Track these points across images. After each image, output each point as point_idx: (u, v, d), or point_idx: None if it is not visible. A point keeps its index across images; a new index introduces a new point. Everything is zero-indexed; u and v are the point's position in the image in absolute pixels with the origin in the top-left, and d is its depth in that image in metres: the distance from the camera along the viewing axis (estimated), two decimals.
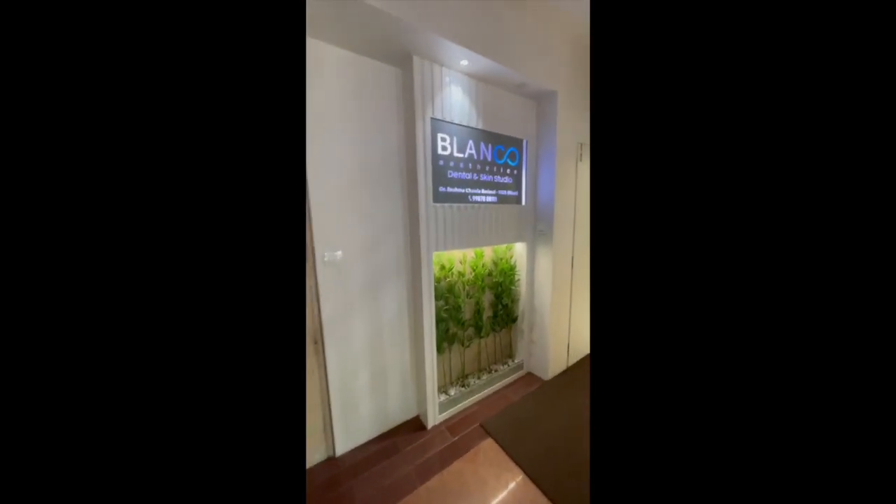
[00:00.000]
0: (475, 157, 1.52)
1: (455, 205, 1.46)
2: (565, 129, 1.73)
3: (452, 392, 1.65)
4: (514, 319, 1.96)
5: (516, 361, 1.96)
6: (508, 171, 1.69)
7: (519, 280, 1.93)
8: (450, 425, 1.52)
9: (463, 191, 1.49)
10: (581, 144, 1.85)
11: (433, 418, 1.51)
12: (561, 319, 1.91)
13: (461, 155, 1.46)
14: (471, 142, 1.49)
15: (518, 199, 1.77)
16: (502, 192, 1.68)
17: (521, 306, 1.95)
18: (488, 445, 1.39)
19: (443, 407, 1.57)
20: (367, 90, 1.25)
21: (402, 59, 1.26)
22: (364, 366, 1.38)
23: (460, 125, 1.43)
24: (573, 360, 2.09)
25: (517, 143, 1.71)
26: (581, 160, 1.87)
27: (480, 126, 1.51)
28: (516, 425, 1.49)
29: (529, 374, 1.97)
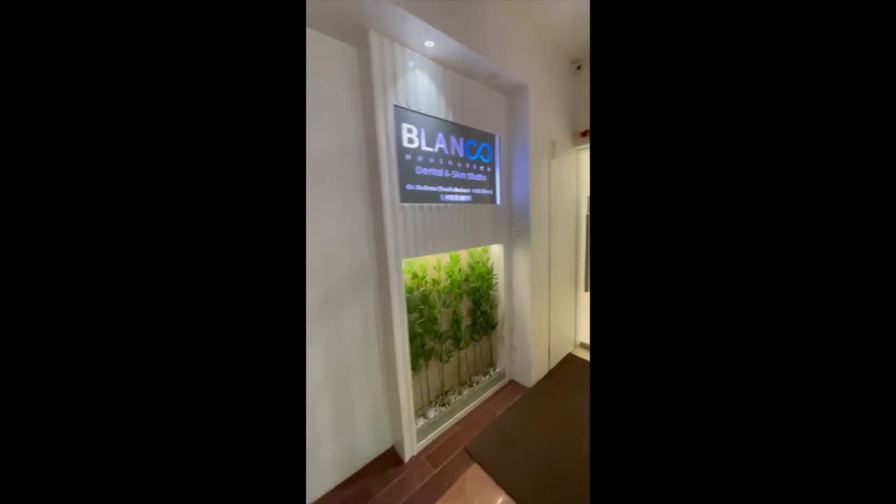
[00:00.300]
0: (446, 151, 1.37)
1: (426, 205, 1.30)
2: (538, 125, 1.66)
3: (432, 414, 1.47)
4: (494, 326, 1.85)
5: (498, 370, 1.85)
6: (482, 168, 1.58)
7: (497, 284, 1.82)
8: (430, 454, 1.35)
9: (434, 189, 1.34)
10: (553, 142, 1.81)
11: (411, 448, 1.33)
12: (541, 321, 1.84)
13: (430, 149, 1.31)
14: (440, 135, 1.34)
15: (492, 199, 1.66)
16: (477, 191, 1.56)
17: (501, 311, 1.84)
18: (474, 473, 1.24)
19: (421, 433, 1.39)
20: (316, 70, 1.04)
21: (357, 36, 1.08)
22: (324, 401, 1.15)
23: (428, 115, 1.28)
24: (554, 361, 2.03)
25: (490, 138, 1.60)
26: (554, 157, 1.82)
27: (451, 118, 1.38)
28: (503, 443, 1.37)
29: (512, 383, 1.86)
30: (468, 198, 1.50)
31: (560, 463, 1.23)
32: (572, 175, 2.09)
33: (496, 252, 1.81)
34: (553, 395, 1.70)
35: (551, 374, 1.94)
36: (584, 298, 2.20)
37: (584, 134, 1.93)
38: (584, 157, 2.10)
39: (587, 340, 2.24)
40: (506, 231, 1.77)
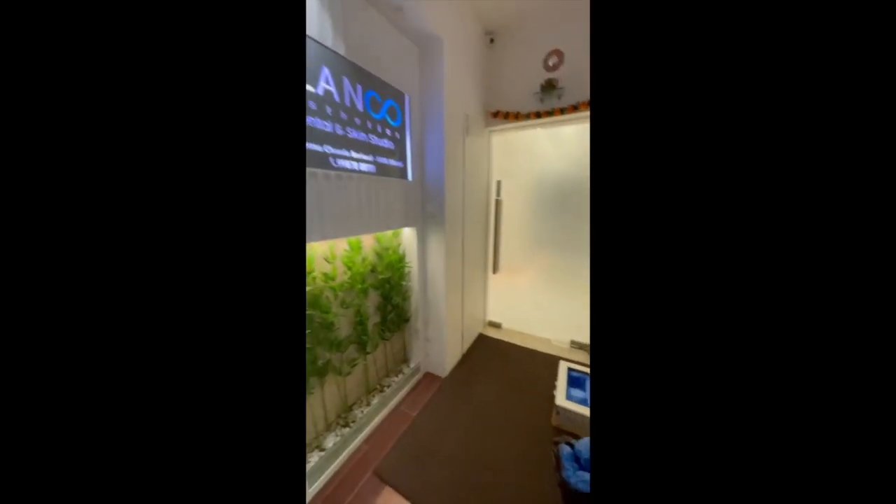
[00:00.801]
0: (336, 97, 1.00)
1: (311, 170, 0.92)
2: (453, 92, 1.47)
3: (330, 442, 1.17)
4: (407, 319, 1.65)
5: (412, 366, 1.69)
6: (388, 132, 1.27)
7: (409, 272, 1.61)
8: (330, 492, 1.07)
9: (320, 148, 0.96)
10: (467, 116, 1.66)
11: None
12: (455, 308, 1.77)
13: (311, 88, 0.91)
14: (326, 71, 0.95)
15: (403, 173, 1.40)
16: (383, 161, 1.25)
17: (415, 303, 1.66)
18: (387, 500, 1.05)
19: (317, 471, 1.08)
20: None
21: None
22: None
23: (309, 37, 0.87)
24: (467, 344, 2.04)
25: (398, 96, 1.30)
26: (468, 134, 1.69)
27: (343, 52, 0.99)
28: (419, 454, 1.22)
29: (428, 375, 1.75)
30: (371, 167, 1.18)
31: (484, 464, 1.19)
32: (484, 157, 2.04)
33: (408, 237, 1.58)
34: (468, 383, 1.68)
35: (465, 358, 1.93)
36: (493, 280, 2.28)
37: (495, 115, 1.88)
38: (496, 140, 2.08)
39: (495, 319, 2.36)
40: (419, 213, 1.55)
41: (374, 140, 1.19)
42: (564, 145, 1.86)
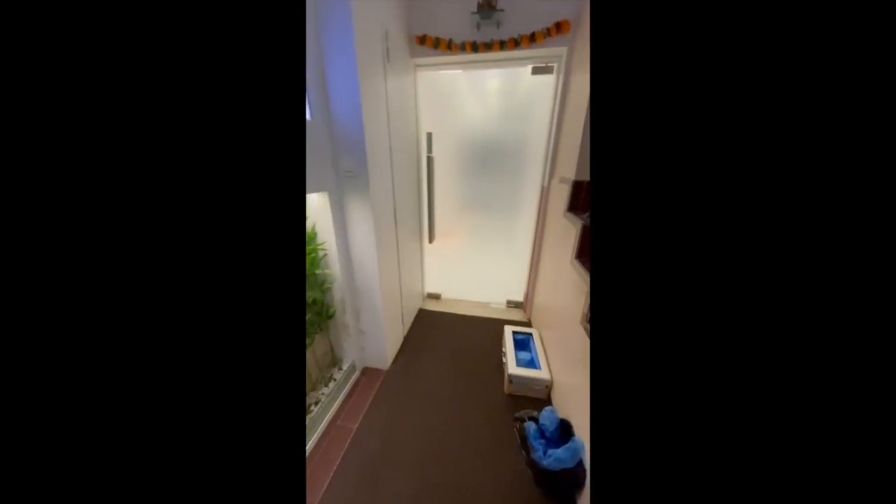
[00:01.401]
0: None
1: None
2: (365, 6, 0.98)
3: None
4: (332, 315, 1.29)
5: (346, 367, 1.39)
6: None
7: (326, 256, 1.21)
8: None
9: None
10: (387, 34, 1.20)
11: None
12: (391, 287, 1.50)
13: None
14: None
15: None
16: None
17: (338, 293, 1.29)
18: None
19: None
20: None
21: None
22: None
23: None
24: (408, 323, 1.84)
25: None
26: (389, 60, 1.24)
27: None
28: (367, 469, 1.02)
29: (367, 371, 1.50)
30: None
31: (446, 461, 1.07)
32: (411, 101, 1.62)
33: (318, 207, 1.14)
34: (414, 370, 1.52)
35: (407, 340, 1.75)
36: (429, 249, 2.06)
37: (422, 40, 1.45)
38: (423, 79, 1.66)
39: (434, 290, 2.22)
40: (330, 171, 1.11)
41: None
42: (487, 97, 1.63)
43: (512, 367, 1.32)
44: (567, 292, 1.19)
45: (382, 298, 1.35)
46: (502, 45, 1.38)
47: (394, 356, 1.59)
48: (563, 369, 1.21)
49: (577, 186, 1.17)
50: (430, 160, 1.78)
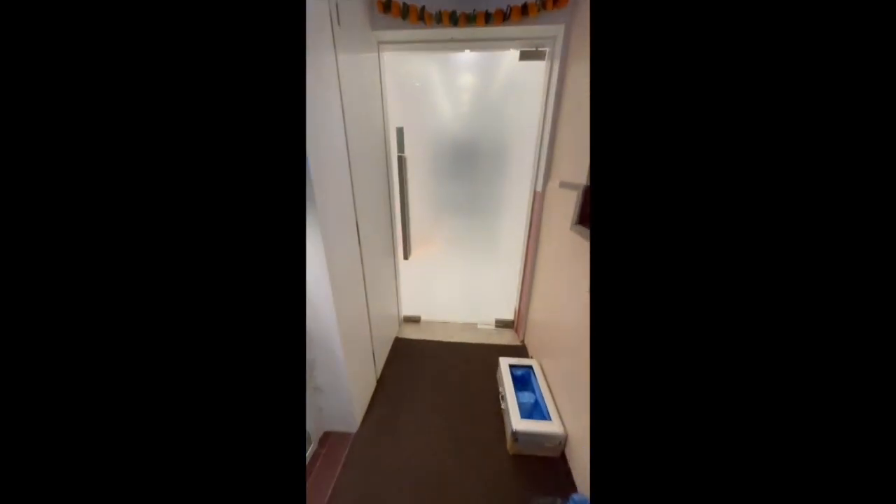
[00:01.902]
0: None
1: None
2: None
3: None
4: None
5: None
6: None
7: None
8: None
9: None
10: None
11: None
12: (355, 322, 1.16)
13: None
14: None
15: None
16: None
17: None
18: None
19: None
20: None
21: None
22: None
23: None
24: (382, 360, 1.50)
25: None
26: (339, 25, 0.91)
27: None
28: None
29: (330, 438, 1.14)
30: None
31: None
32: (375, 87, 1.30)
33: None
34: (390, 428, 1.19)
35: (381, 385, 1.41)
36: (404, 265, 1.74)
37: (386, 7, 1.13)
38: (389, 61, 1.34)
39: (411, 312, 1.90)
40: None
41: None
42: (466, 88, 1.37)
43: (516, 421, 1.05)
44: (576, 318, 0.95)
45: (343, 346, 1.01)
46: (488, 17, 1.11)
47: (364, 412, 1.24)
48: (576, 414, 0.96)
49: (588, 195, 0.93)
50: (401, 160, 1.47)
